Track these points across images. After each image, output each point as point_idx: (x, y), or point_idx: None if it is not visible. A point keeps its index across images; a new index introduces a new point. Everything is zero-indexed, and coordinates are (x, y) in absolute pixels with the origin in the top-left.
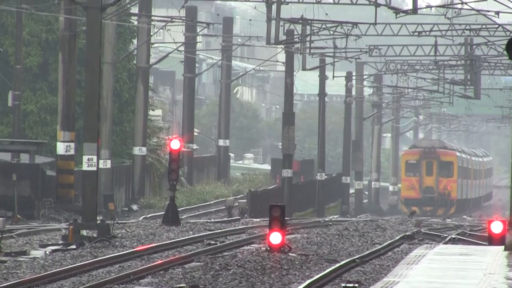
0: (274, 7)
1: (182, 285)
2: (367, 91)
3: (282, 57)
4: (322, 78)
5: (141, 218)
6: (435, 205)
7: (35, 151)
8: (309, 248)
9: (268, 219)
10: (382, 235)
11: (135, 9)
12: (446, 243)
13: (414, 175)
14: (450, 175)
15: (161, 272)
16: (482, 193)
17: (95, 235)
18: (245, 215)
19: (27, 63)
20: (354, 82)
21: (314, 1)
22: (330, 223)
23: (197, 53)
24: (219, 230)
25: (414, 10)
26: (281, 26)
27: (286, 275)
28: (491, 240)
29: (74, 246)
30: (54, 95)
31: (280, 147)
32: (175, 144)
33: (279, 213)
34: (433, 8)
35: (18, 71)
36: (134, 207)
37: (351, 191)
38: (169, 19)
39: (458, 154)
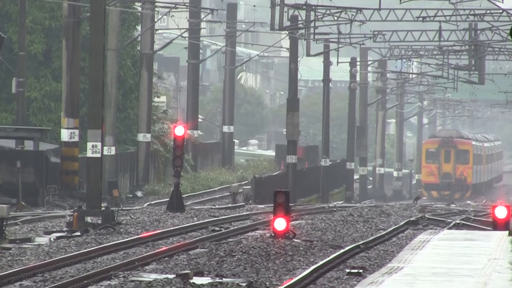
0: None
1: (186, 271)
2: (372, 76)
3: (286, 43)
4: (327, 64)
5: (145, 205)
6: (452, 190)
7: (39, 138)
8: (313, 234)
9: (272, 205)
10: (386, 221)
11: None
12: (450, 228)
13: (433, 162)
14: (466, 162)
15: (166, 258)
16: (494, 175)
17: (99, 221)
18: (250, 201)
19: (31, 51)
20: (358, 67)
21: None
22: (335, 209)
23: (201, 39)
24: (223, 217)
25: None
26: (285, 12)
27: (291, 261)
28: (496, 225)
29: (78, 233)
30: (58, 82)
31: (285, 133)
32: (180, 131)
33: (284, 199)
34: None
35: (21, 58)
36: (139, 193)
37: (356, 177)
38: (173, 5)
39: (473, 143)
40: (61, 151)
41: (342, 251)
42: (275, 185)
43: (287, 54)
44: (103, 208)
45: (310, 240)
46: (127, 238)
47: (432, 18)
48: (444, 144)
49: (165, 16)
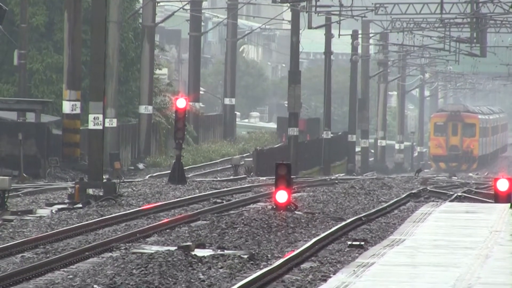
0: None
1: (188, 243)
2: (373, 49)
3: (288, 15)
4: (328, 37)
5: (147, 177)
6: (459, 161)
7: (41, 110)
8: (315, 206)
9: (274, 177)
10: (388, 193)
11: None
12: (452, 201)
13: (441, 135)
14: (473, 135)
15: (167, 230)
16: (499, 146)
17: (101, 193)
18: (251, 174)
19: (33, 23)
20: (360, 40)
21: None
22: (336, 181)
23: (202, 11)
24: (225, 189)
25: None
26: None
27: (292, 233)
28: (497, 197)
29: (80, 205)
30: (59, 54)
31: (286, 105)
32: (181, 103)
33: (285, 172)
34: None
35: (23, 30)
36: (140, 165)
37: (357, 149)
38: None
39: (480, 116)
40: (62, 123)
41: (343, 223)
42: (277, 157)
43: (289, 26)
44: (104, 180)
45: (311, 212)
46: (128, 210)
47: None
48: (451, 118)
49: None
